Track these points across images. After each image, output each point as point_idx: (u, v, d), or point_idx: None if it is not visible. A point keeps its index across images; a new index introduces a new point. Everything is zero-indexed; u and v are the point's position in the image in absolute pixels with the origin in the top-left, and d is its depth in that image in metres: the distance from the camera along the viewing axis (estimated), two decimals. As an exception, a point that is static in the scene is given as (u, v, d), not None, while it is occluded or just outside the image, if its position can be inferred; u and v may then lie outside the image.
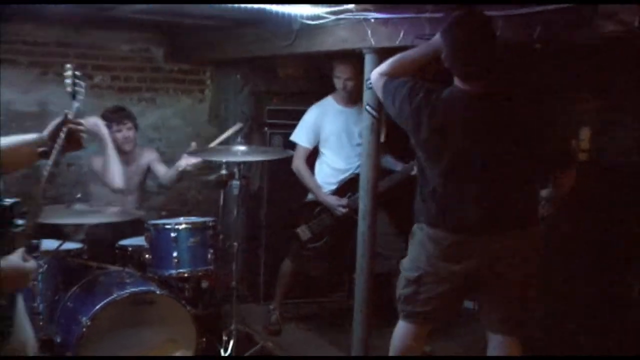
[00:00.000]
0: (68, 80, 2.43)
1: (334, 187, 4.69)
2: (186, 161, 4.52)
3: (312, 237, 4.69)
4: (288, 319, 5.08)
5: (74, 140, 2.27)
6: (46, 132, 2.32)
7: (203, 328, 3.90)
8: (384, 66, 3.22)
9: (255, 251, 5.48)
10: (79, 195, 3.97)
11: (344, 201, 4.59)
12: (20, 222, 1.99)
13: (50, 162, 2.17)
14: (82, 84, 2.46)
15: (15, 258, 1.93)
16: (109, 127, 4.52)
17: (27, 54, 5.24)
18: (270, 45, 4.39)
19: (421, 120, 2.97)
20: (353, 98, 4.56)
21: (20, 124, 5.13)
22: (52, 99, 5.27)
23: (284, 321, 4.99)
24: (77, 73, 2.46)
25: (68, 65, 2.49)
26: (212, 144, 4.49)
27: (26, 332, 2.25)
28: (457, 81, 2.98)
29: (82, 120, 2.35)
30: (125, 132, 4.62)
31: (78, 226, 4.31)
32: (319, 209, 4.69)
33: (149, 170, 4.84)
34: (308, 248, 4.72)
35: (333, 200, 4.61)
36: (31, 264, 1.96)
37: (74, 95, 2.40)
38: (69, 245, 3.97)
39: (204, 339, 3.93)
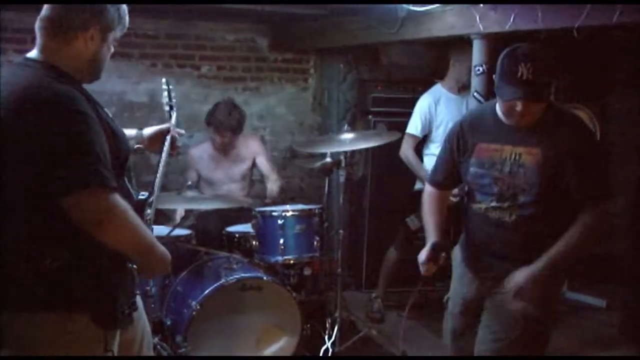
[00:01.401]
0: (165, 94, 2.78)
1: None
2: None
3: (421, 226, 4.62)
4: (390, 307, 5.06)
5: (173, 147, 2.57)
6: (146, 132, 2.55)
7: (308, 314, 3.95)
8: None
9: (358, 239, 5.48)
10: (189, 183, 4.09)
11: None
12: (149, 212, 2.26)
13: (160, 170, 2.44)
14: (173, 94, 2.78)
15: None
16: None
17: (138, 47, 5.38)
18: (376, 33, 4.36)
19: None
20: (462, 85, 4.47)
21: (131, 114, 5.33)
22: (161, 89, 5.40)
23: (386, 309, 4.99)
24: (170, 86, 2.81)
25: (164, 80, 2.83)
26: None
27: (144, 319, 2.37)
28: None
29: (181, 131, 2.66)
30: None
31: (188, 212, 4.43)
32: (429, 198, 4.62)
33: (255, 160, 4.92)
34: (418, 237, 4.67)
35: None
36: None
37: (171, 107, 2.75)
38: (179, 231, 4.09)
39: (309, 325, 3.98)
